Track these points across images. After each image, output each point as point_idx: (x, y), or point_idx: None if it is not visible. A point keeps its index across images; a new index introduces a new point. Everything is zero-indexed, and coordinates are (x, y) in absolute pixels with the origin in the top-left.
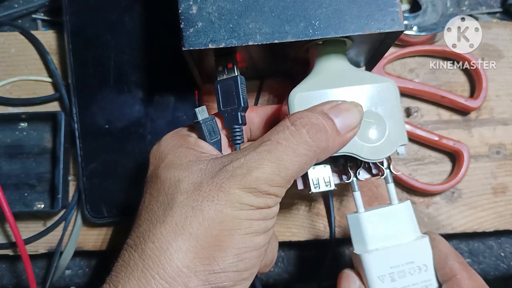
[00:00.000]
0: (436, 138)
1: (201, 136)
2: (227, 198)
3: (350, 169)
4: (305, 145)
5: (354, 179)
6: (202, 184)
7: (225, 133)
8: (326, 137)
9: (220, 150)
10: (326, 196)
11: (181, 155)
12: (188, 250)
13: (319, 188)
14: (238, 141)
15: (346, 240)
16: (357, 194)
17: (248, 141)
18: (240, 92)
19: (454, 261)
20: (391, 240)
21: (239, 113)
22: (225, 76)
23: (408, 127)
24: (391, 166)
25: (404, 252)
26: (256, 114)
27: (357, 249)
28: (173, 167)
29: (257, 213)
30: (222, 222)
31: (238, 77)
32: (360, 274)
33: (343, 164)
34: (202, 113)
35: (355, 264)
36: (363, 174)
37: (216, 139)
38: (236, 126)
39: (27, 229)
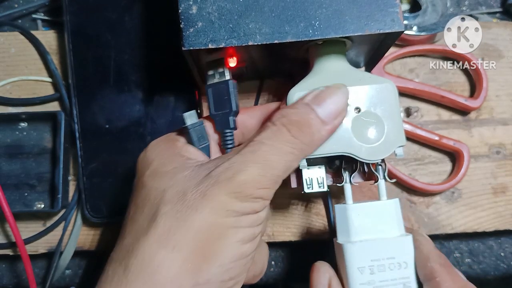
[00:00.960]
0: (436, 138)
1: (190, 141)
2: (211, 206)
3: (344, 171)
4: (288, 143)
5: (347, 172)
6: (186, 193)
7: (216, 137)
8: (310, 131)
9: (209, 156)
10: (325, 196)
11: (166, 162)
12: (171, 263)
13: (312, 189)
14: (230, 146)
15: None
16: (348, 186)
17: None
18: (232, 96)
19: (435, 262)
20: (375, 234)
21: (230, 117)
22: (216, 80)
23: (408, 127)
24: (386, 171)
25: (386, 247)
26: (248, 117)
27: (340, 239)
28: (158, 176)
29: (243, 219)
30: (207, 231)
31: (230, 81)
32: (340, 264)
33: (338, 166)
34: (190, 118)
35: (336, 254)
36: (356, 178)
37: (205, 144)
38: (227, 131)
39: (27, 229)
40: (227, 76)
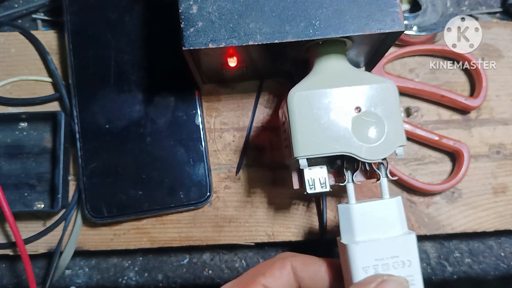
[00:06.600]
0: (436, 138)
1: None
2: None
3: (346, 171)
4: None
5: (349, 171)
6: None
7: None
8: None
9: None
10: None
11: None
12: None
13: (315, 189)
14: None
15: None
16: (350, 186)
17: None
18: None
19: None
20: (379, 233)
21: None
22: None
23: (408, 127)
24: (388, 169)
25: (389, 246)
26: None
27: (344, 238)
28: None
29: None
30: None
31: None
32: (344, 264)
33: (339, 165)
34: None
35: (340, 253)
36: (358, 177)
37: None
38: None
39: (27, 229)
40: None
